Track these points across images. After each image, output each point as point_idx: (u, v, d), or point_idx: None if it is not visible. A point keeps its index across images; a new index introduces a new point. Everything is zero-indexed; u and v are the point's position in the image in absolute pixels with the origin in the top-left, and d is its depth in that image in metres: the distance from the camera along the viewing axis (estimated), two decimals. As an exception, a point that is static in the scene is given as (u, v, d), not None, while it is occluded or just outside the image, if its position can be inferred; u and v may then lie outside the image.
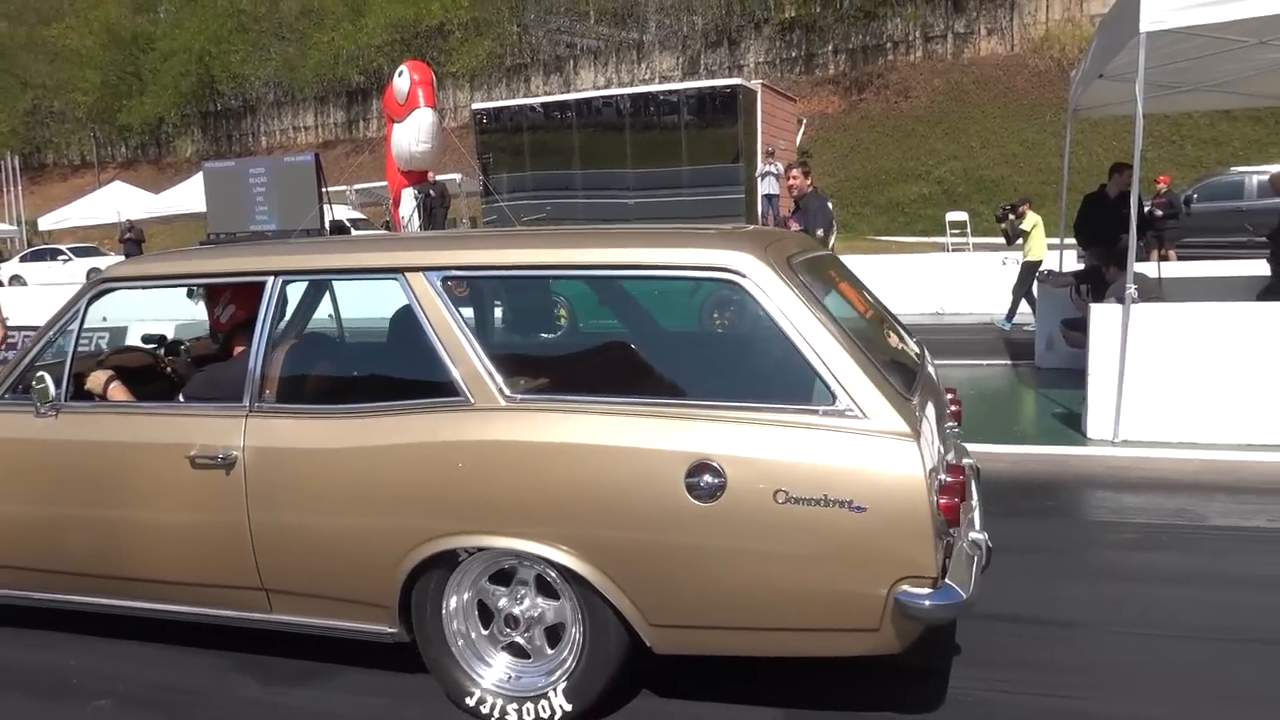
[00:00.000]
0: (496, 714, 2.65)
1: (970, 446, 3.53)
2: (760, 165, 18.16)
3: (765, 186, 18.20)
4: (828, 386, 2.38)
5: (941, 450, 2.63)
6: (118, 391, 3.26)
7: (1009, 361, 8.85)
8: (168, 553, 2.93)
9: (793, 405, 2.42)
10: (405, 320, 2.83)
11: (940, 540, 2.33)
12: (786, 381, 2.48)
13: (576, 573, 2.49)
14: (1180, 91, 7.74)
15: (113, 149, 42.17)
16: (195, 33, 38.25)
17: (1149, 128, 8.79)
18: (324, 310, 3.90)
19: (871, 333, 3.05)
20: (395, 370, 3.10)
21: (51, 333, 3.22)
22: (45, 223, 30.81)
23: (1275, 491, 4.70)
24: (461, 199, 24.83)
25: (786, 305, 2.46)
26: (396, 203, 23.44)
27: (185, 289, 3.91)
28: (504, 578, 2.69)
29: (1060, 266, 9.60)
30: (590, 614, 2.54)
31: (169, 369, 3.83)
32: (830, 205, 6.97)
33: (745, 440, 2.37)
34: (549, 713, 2.61)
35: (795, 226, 6.81)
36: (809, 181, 6.74)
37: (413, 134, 21.96)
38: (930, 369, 3.26)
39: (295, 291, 3.27)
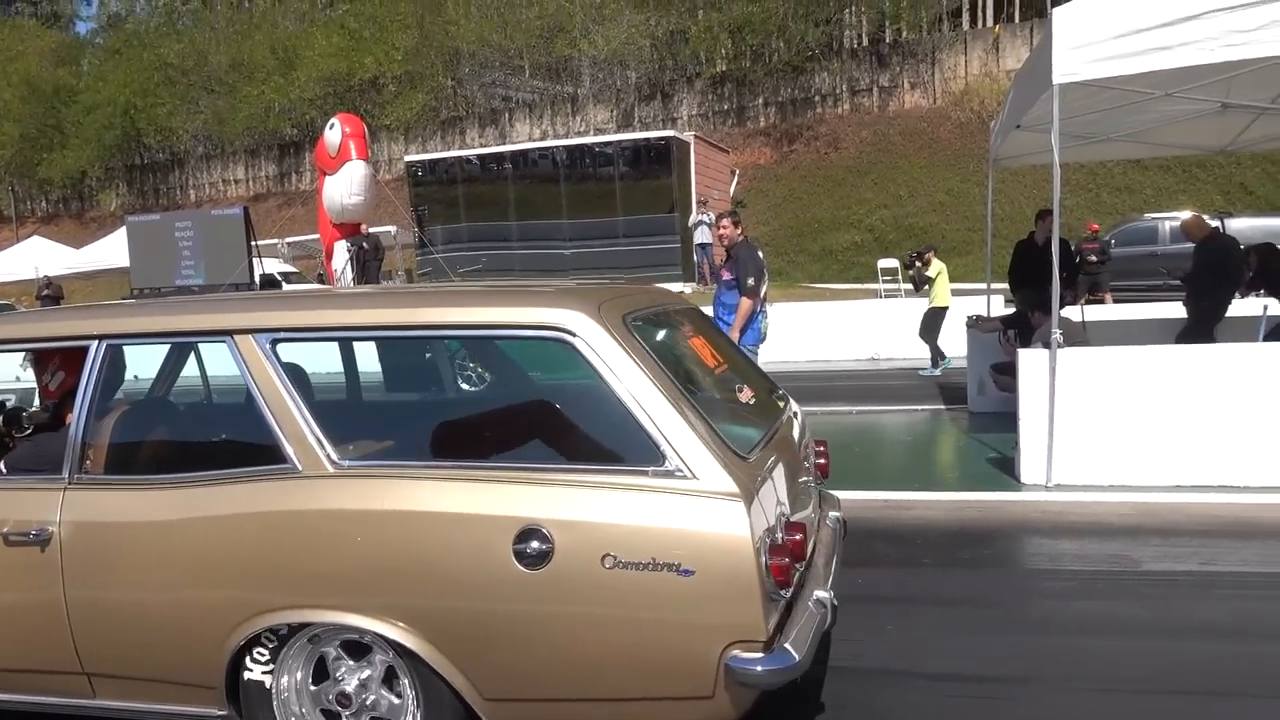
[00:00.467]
0: None
1: (904, 495, 3.48)
2: (694, 215, 18.37)
3: (699, 235, 18.39)
4: (657, 446, 2.33)
5: (785, 508, 2.58)
6: None
7: (943, 406, 8.95)
8: None
9: (622, 467, 2.37)
10: (239, 385, 2.73)
11: (771, 603, 2.27)
12: (617, 442, 2.43)
13: (405, 646, 2.40)
14: (1094, 142, 8.01)
15: (32, 203, 40.98)
16: (120, 85, 37.56)
17: (1066, 176, 9.06)
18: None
19: (717, 388, 3.06)
20: (225, 436, 3.02)
21: None
22: (-42, 279, 29.68)
23: (1206, 533, 4.75)
24: (397, 251, 24.56)
25: (616, 363, 2.42)
26: (329, 255, 23.07)
27: (21, 354, 3.69)
28: (350, 652, 2.57)
29: (988, 311, 9.78)
30: (424, 690, 2.45)
31: (7, 440, 3.60)
32: (761, 254, 6.99)
33: (573, 504, 2.31)
34: None
35: (727, 276, 6.80)
36: (739, 231, 6.75)
37: (345, 186, 21.73)
38: (791, 421, 3.24)
39: (129, 356, 3.14)
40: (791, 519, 2.56)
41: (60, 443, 2.83)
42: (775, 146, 30.79)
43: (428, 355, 3.65)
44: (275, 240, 26.80)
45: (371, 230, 20.89)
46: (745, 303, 6.66)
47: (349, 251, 21.18)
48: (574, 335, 2.46)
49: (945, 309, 11.40)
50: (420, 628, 2.38)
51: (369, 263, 20.88)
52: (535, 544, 2.28)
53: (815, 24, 30.28)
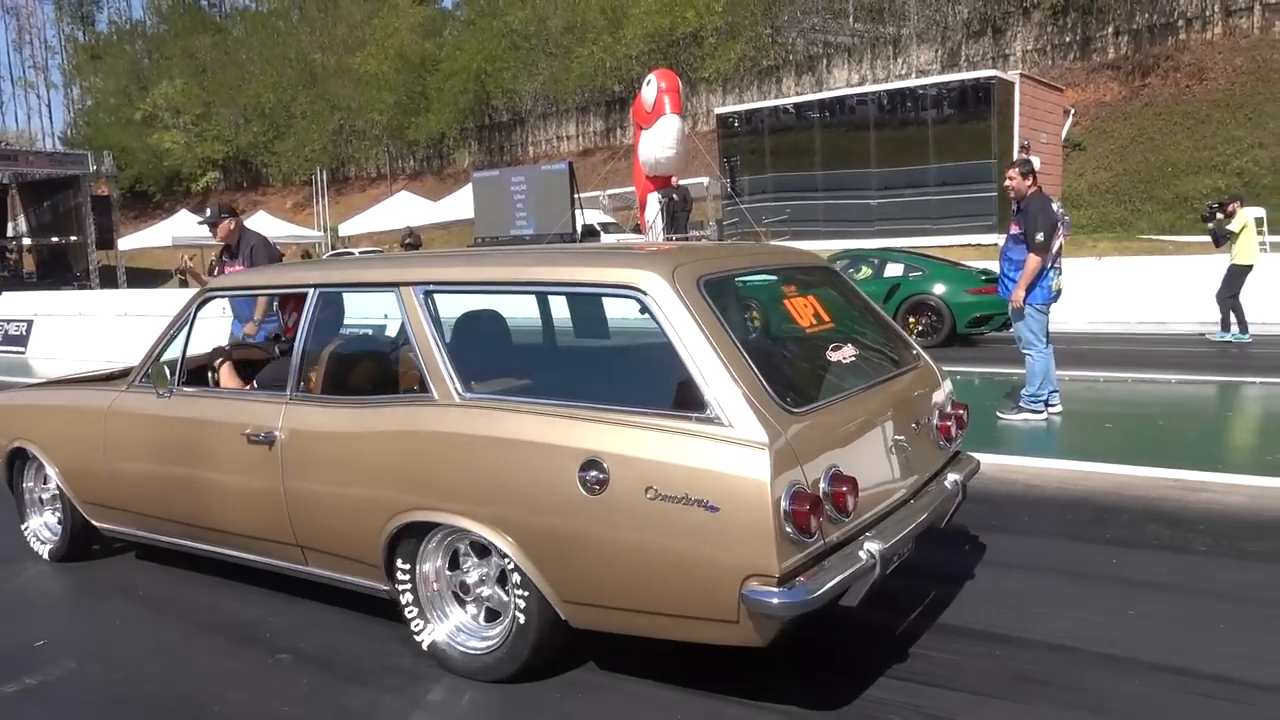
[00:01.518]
0: (446, 662, 3.07)
1: (1199, 476, 3.18)
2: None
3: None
4: (702, 396, 2.60)
5: (840, 461, 2.68)
6: (227, 378, 4.12)
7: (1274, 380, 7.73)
8: (233, 510, 3.55)
9: (673, 412, 2.65)
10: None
11: (791, 544, 2.47)
12: (672, 390, 2.70)
13: (502, 549, 2.83)
14: None
15: (402, 162, 46.75)
16: (473, 53, 41.53)
17: None
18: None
19: (799, 346, 3.33)
20: (391, 368, 3.57)
21: (170, 331, 3.97)
22: (345, 229, 34.83)
23: None
24: (706, 202, 25.21)
25: (678, 320, 2.71)
26: (643, 207, 24.23)
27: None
28: (476, 551, 3.03)
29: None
30: (521, 589, 2.85)
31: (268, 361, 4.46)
32: (1056, 207, 6.37)
33: (627, 441, 2.63)
34: (478, 670, 3.00)
35: (1014, 230, 6.30)
36: (1029, 183, 6.21)
37: (659, 140, 22.63)
38: (906, 381, 3.36)
39: (332, 300, 3.75)
40: (844, 472, 2.65)
41: (288, 367, 3.51)
42: (1124, 81, 27.50)
43: (561, 308, 4.04)
44: (597, 193, 28.56)
45: (682, 182, 21.65)
46: (1032, 259, 6.17)
47: (660, 203, 22.12)
48: (645, 294, 2.78)
49: (1249, 267, 10.11)
50: (513, 534, 2.81)
51: (678, 214, 21.69)
52: (595, 473, 2.64)
53: (1183, -63, 26.47)
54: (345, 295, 3.74)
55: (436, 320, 3.17)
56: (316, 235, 37.22)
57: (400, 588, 3.12)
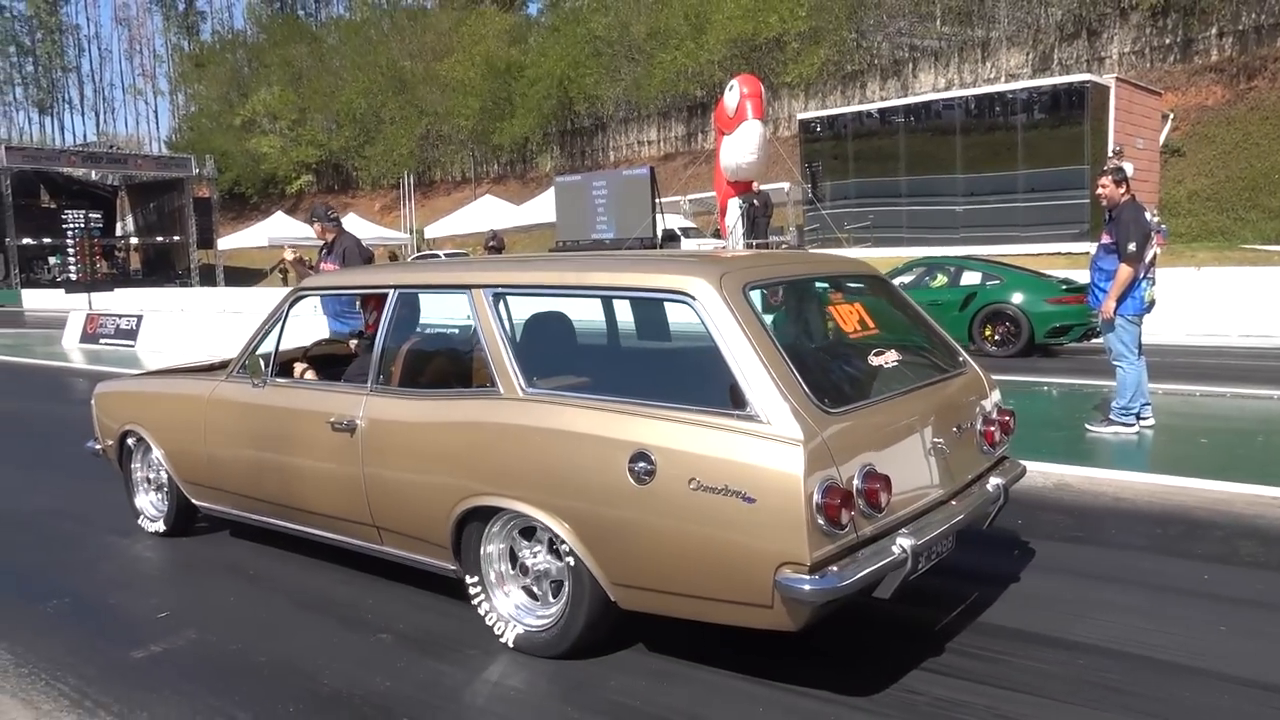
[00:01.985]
0: (506, 637, 3.29)
1: None
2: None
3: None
4: (744, 395, 2.77)
5: (875, 460, 2.81)
6: (307, 372, 4.51)
7: None
8: (318, 492, 3.83)
9: (716, 409, 2.81)
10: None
11: (823, 535, 2.61)
12: (717, 389, 2.86)
13: (559, 534, 3.03)
14: None
15: (487, 166, 47.68)
16: (557, 59, 42.14)
17: None
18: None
19: (843, 350, 3.53)
20: (462, 364, 3.78)
21: (264, 326, 4.26)
22: (430, 231, 35.72)
23: None
24: (787, 208, 25.11)
25: (723, 324, 2.88)
26: (723, 212, 24.27)
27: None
28: (529, 534, 3.26)
29: None
30: (574, 572, 3.06)
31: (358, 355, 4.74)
32: (1149, 215, 6.22)
33: (674, 435, 2.81)
34: (535, 646, 3.22)
35: (1106, 239, 6.18)
36: (1122, 190, 6.08)
37: (740, 146, 22.66)
38: (950, 387, 3.51)
39: (410, 300, 4.01)
40: (878, 470, 2.78)
41: (370, 361, 3.79)
42: (1228, 84, 26.45)
43: (621, 312, 4.23)
44: (678, 197, 28.68)
45: (763, 188, 21.63)
46: (1123, 270, 6.04)
47: (741, 208, 22.14)
48: (694, 299, 2.97)
49: None
50: (568, 520, 3.01)
51: (758, 219, 21.66)
52: (643, 464, 2.83)
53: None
54: (422, 296, 4.01)
55: (503, 320, 3.41)
56: (403, 237, 38.23)
57: (466, 567, 3.36)
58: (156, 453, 4.68)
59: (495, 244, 27.73)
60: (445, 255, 28.66)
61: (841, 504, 2.62)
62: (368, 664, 3.26)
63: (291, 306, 4.25)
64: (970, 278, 11.38)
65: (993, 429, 3.55)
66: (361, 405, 3.64)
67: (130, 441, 4.87)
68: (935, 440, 3.19)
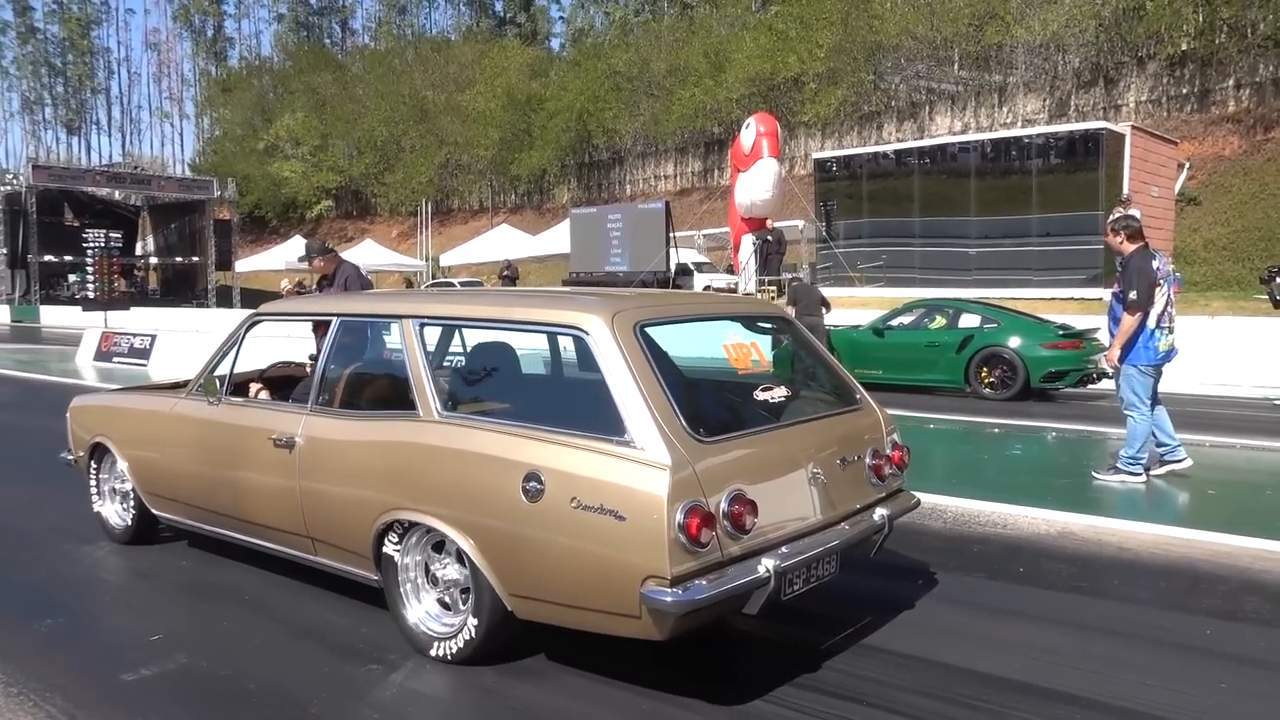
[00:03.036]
0: (420, 642, 3.51)
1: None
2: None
3: (1119, 238, 16.46)
4: (623, 423, 3.01)
5: (744, 485, 3.03)
6: (261, 392, 4.76)
7: None
8: (261, 504, 4.08)
9: (599, 435, 3.05)
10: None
11: (686, 552, 2.84)
12: (601, 417, 3.09)
13: (462, 548, 3.27)
14: None
15: (504, 196, 48.09)
16: (577, 93, 42.63)
17: None
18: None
19: (726, 386, 3.86)
20: (391, 388, 3.95)
21: (222, 348, 4.53)
22: (445, 259, 35.95)
23: None
24: (801, 246, 25.18)
25: (610, 359, 3.14)
26: (736, 248, 24.34)
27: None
28: (439, 547, 3.48)
29: None
30: (475, 581, 3.29)
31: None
32: (1161, 263, 6.16)
33: (561, 457, 3.06)
34: (442, 651, 3.43)
35: (1116, 288, 6.15)
36: (1119, 240, 6.04)
37: (755, 183, 22.80)
38: (837, 420, 3.77)
39: (353, 328, 4.27)
40: (747, 495, 3.01)
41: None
42: (1245, 135, 26.50)
43: (530, 345, 4.38)
44: (692, 232, 28.85)
45: (777, 225, 21.69)
46: (1126, 319, 6.02)
47: (754, 245, 22.19)
48: (588, 334, 3.25)
49: None
50: (472, 535, 3.25)
51: (771, 256, 21.69)
52: (534, 484, 3.06)
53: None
54: (364, 324, 4.31)
55: (426, 348, 3.70)
56: (419, 264, 38.48)
57: (385, 577, 3.60)
58: (121, 464, 4.93)
59: (509, 273, 27.97)
60: (459, 284, 28.82)
61: (702, 524, 2.85)
62: (358, 694, 3.24)
63: (248, 330, 4.53)
64: (969, 320, 11.42)
65: (882, 463, 3.74)
66: (301, 424, 3.91)
67: (99, 452, 5.12)
68: (815, 471, 3.39)
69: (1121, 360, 6.19)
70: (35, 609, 4.13)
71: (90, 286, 31.25)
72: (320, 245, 7.37)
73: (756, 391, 3.55)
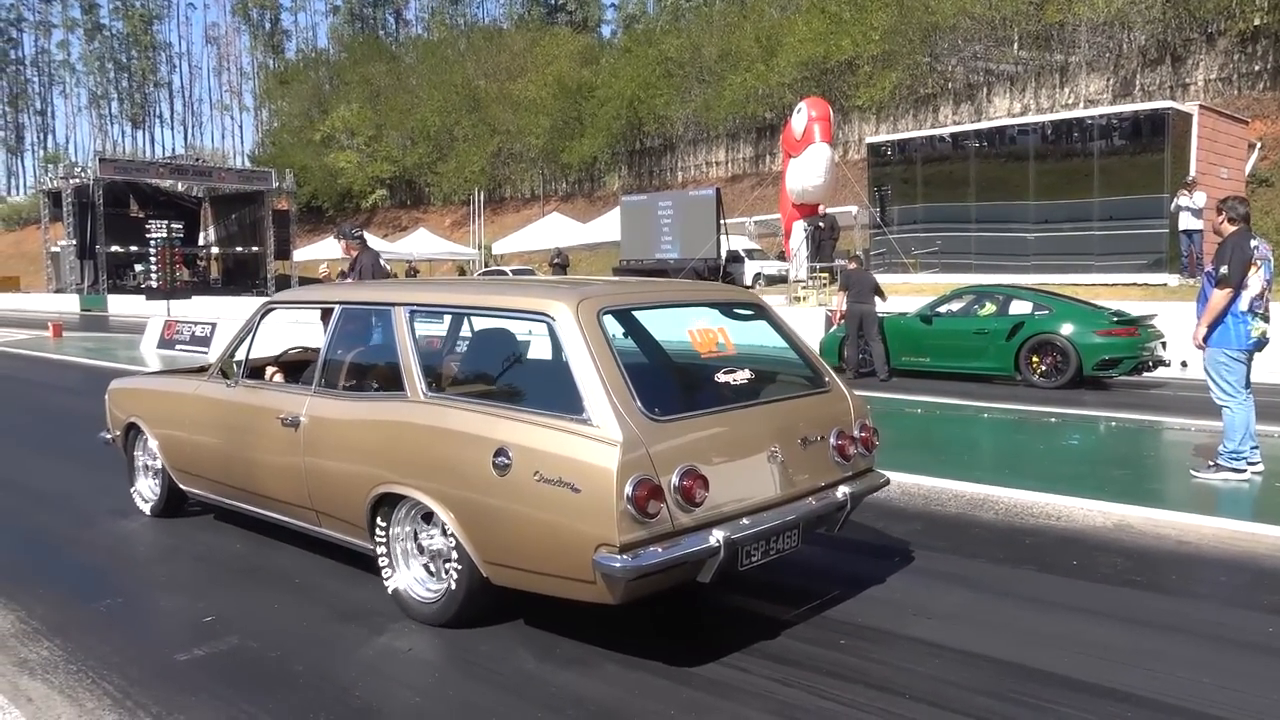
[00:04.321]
0: (406, 605, 3.79)
1: None
2: (1178, 198, 15.84)
3: (1184, 222, 15.86)
4: (582, 402, 3.23)
5: (695, 462, 3.22)
6: (276, 375, 5.02)
7: None
8: (271, 479, 4.38)
9: (560, 414, 3.28)
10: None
11: (635, 522, 3.05)
12: (564, 397, 3.32)
13: (443, 519, 3.51)
14: None
15: (555, 184, 48.20)
16: (628, 80, 42.46)
17: None
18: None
19: (689, 369, 4.08)
20: (385, 371, 4.16)
21: (239, 334, 4.85)
22: (497, 247, 36.20)
23: None
24: (854, 231, 24.86)
25: (572, 343, 3.36)
26: (788, 234, 24.06)
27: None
28: (429, 518, 3.69)
29: None
30: (457, 550, 3.51)
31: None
32: (1263, 247, 5.83)
33: (526, 434, 3.30)
34: (425, 614, 3.70)
35: (1209, 268, 5.86)
36: (1222, 219, 5.80)
37: (807, 169, 22.49)
38: (798, 403, 3.93)
39: (354, 315, 4.52)
40: (699, 471, 3.20)
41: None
42: (1322, 113, 25.42)
43: (502, 330, 4.51)
44: (744, 219, 28.62)
45: (829, 211, 21.41)
46: (1215, 295, 5.76)
47: (805, 231, 21.91)
48: (554, 320, 3.46)
49: None
50: (451, 507, 3.49)
51: (824, 242, 21.41)
52: (502, 458, 3.30)
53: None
54: (361, 312, 4.55)
55: (414, 333, 3.94)
56: (471, 253, 38.83)
57: (378, 545, 3.84)
58: (152, 443, 5.28)
59: (560, 261, 28.04)
60: (511, 272, 29.02)
61: (650, 496, 3.07)
62: (400, 678, 3.29)
63: (262, 318, 4.86)
64: (1019, 307, 11.14)
65: (846, 444, 3.90)
66: (305, 404, 4.20)
67: (132, 432, 5.48)
68: (774, 449, 3.57)
69: (1207, 340, 5.91)
70: (95, 589, 4.27)
71: (154, 276, 32.08)
72: (348, 231, 7.85)
73: (719, 374, 3.74)
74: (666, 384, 4.06)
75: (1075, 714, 2.95)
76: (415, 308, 4.04)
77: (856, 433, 3.98)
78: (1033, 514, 5.30)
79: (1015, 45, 32.46)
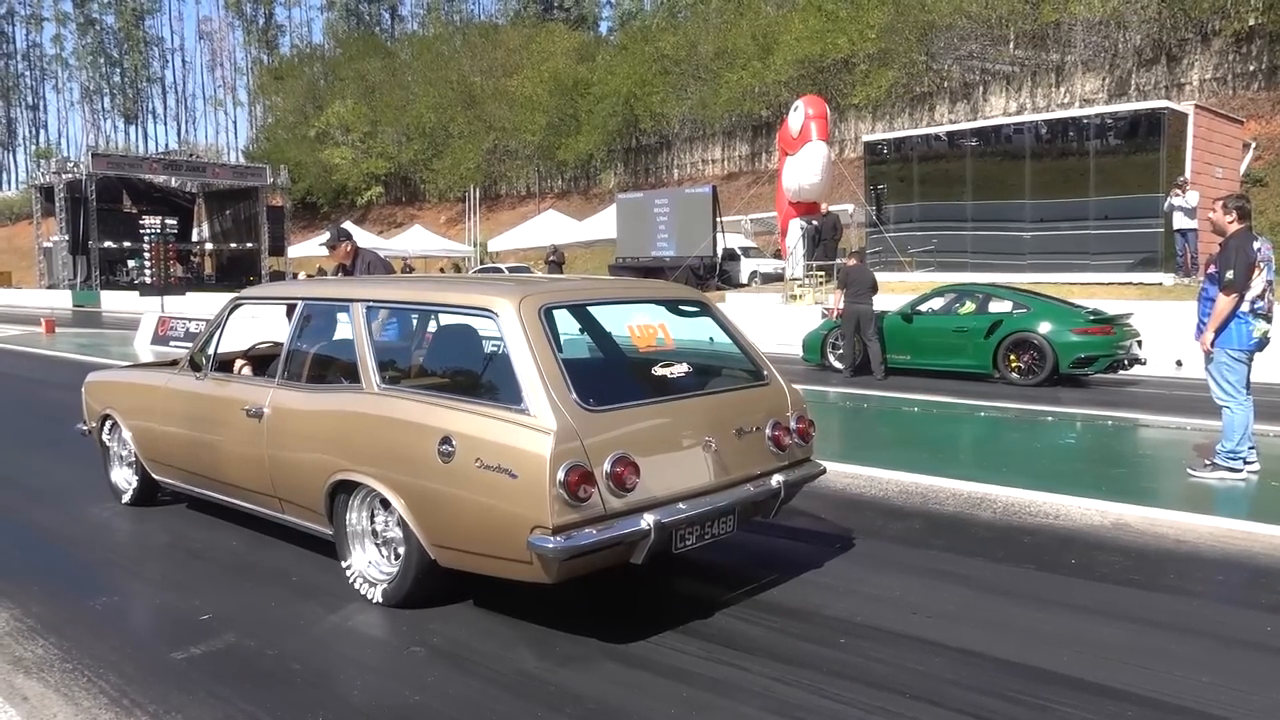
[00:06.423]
0: (359, 589, 3.95)
1: None
2: (1171, 198, 15.84)
3: (1178, 221, 15.87)
4: (520, 393, 3.41)
5: (628, 450, 3.39)
6: (244, 368, 5.09)
7: None
8: (236, 468, 4.54)
9: (500, 404, 3.48)
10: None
11: (567, 505, 3.22)
12: (504, 388, 3.52)
13: (392, 504, 3.69)
14: None
15: (551, 181, 48.16)
16: (624, 77, 42.41)
17: None
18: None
19: (625, 362, 4.39)
20: (341, 364, 4.35)
21: (208, 330, 5.02)
22: (493, 245, 36.15)
23: None
24: (852, 229, 24.86)
25: (514, 337, 3.52)
26: (784, 233, 24.06)
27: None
28: (385, 505, 3.81)
29: None
30: (405, 534, 3.70)
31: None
32: (1265, 248, 5.83)
33: (469, 423, 3.48)
34: (377, 595, 3.87)
35: (1213, 269, 5.86)
36: (1231, 219, 5.77)
37: (804, 167, 22.50)
38: (734, 395, 4.13)
39: (317, 310, 4.65)
40: (631, 458, 3.38)
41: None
42: (1316, 113, 25.48)
43: (450, 327, 4.70)
44: (740, 217, 28.62)
45: (830, 209, 21.37)
46: (1221, 299, 5.76)
47: (802, 229, 21.90)
48: (497, 315, 3.62)
49: None
50: (401, 493, 3.66)
51: (825, 240, 21.38)
52: (447, 446, 3.47)
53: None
54: (322, 307, 4.67)
55: (371, 328, 4.11)
56: (467, 250, 38.76)
57: (336, 530, 4.02)
58: (125, 433, 5.43)
59: (555, 259, 27.97)
60: (507, 269, 28.95)
61: (581, 481, 3.23)
62: (399, 676, 3.27)
63: (231, 314, 5.02)
64: (999, 306, 11.28)
65: (782, 434, 4.07)
66: (269, 396, 4.35)
67: (108, 423, 5.63)
68: (709, 439, 3.74)
69: (1213, 344, 5.90)
70: (91, 586, 4.25)
71: (148, 272, 31.96)
72: (336, 234, 7.60)
73: (656, 367, 3.94)
74: (604, 377, 4.25)
75: (1074, 712, 2.95)
76: (372, 303, 4.22)
77: (793, 424, 4.15)
78: (1031, 513, 5.30)
79: (1011, 44, 32.51)
